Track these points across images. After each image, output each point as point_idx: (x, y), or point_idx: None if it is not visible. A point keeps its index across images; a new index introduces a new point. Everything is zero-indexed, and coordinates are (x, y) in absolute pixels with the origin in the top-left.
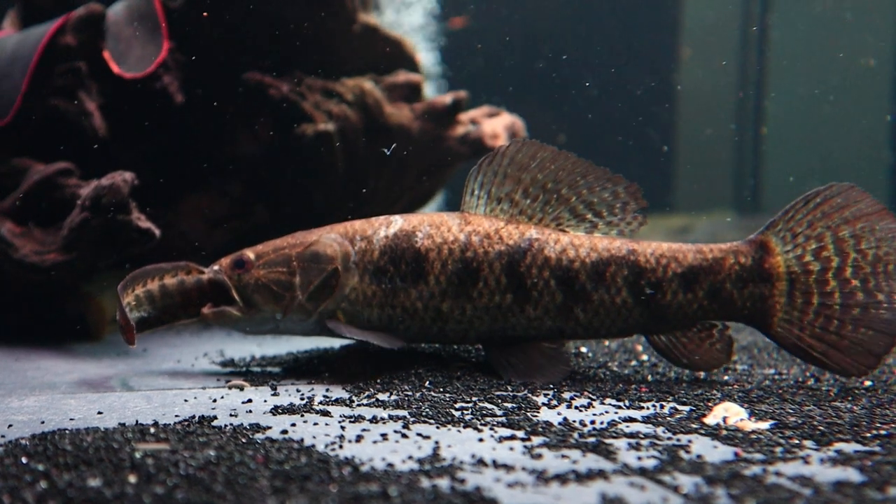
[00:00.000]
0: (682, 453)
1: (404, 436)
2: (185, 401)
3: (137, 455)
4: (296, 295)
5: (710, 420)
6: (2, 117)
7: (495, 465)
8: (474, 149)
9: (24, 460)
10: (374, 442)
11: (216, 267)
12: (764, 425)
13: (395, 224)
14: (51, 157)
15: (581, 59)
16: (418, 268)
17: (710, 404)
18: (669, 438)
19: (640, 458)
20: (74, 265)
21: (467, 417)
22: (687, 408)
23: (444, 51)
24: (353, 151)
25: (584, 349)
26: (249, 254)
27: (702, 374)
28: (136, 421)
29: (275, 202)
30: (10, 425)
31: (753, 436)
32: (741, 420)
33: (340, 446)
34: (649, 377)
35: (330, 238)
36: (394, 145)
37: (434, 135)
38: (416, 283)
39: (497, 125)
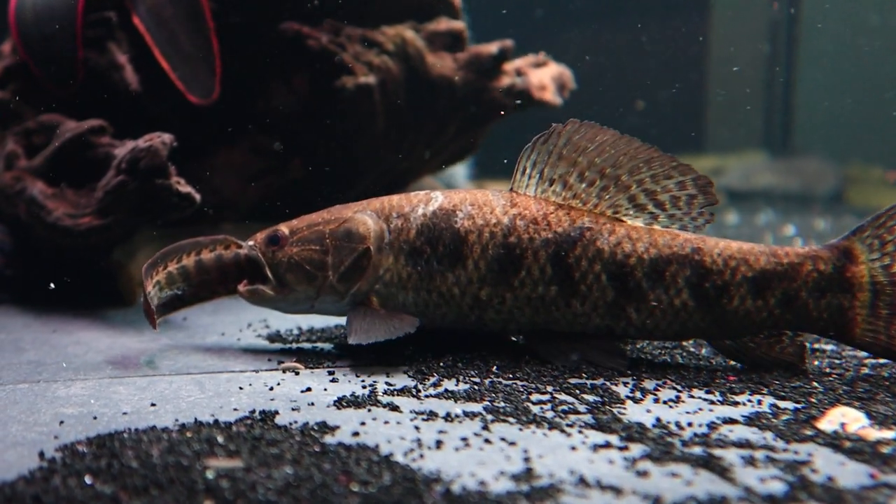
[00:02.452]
0: (809, 473)
1: (487, 441)
2: (240, 388)
3: (210, 475)
4: (328, 275)
5: (826, 426)
6: (63, 83)
7: (600, 486)
8: (520, 101)
9: (88, 481)
10: (457, 449)
11: (251, 242)
12: (889, 434)
13: (436, 201)
14: (81, 113)
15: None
16: (456, 251)
17: (812, 399)
18: (785, 450)
19: (762, 480)
20: (110, 230)
21: (549, 416)
22: (789, 405)
23: None
24: (394, 104)
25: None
26: (284, 229)
27: None
28: (195, 419)
29: (311, 157)
30: (61, 421)
31: (883, 448)
32: (862, 427)
33: (421, 455)
34: (731, 361)
35: (364, 215)
36: None
37: (478, 86)
38: (453, 267)
39: (544, 76)
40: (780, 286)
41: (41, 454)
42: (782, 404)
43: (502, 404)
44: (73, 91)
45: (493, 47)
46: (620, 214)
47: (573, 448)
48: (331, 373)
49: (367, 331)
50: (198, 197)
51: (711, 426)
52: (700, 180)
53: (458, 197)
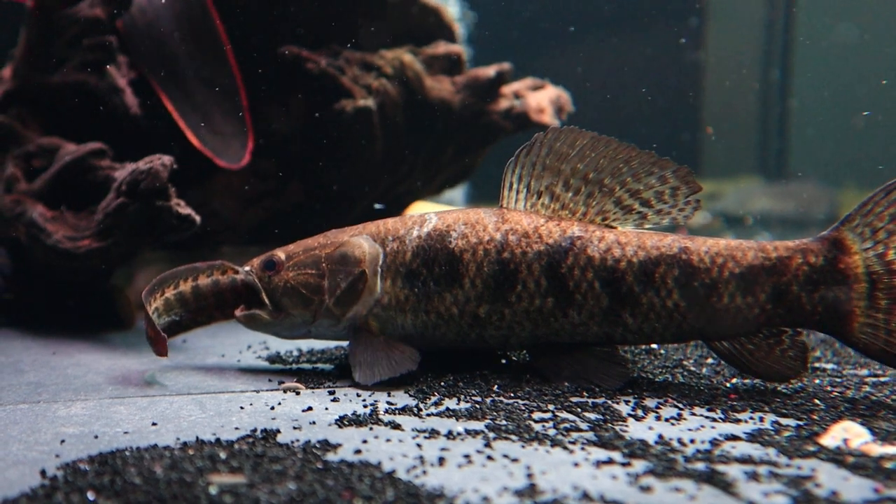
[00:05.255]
0: (813, 487)
1: (490, 458)
2: (241, 408)
3: (213, 490)
4: (324, 299)
5: (829, 442)
6: None
7: (604, 500)
8: (518, 124)
9: (91, 497)
10: (459, 466)
11: (248, 267)
12: (892, 449)
13: (430, 223)
14: (80, 136)
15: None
16: (452, 270)
17: (813, 416)
18: (788, 465)
19: (766, 495)
20: (110, 252)
21: (551, 433)
22: (791, 422)
23: None
24: (392, 127)
25: (654, 345)
26: (280, 254)
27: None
28: (197, 437)
29: (310, 180)
30: (62, 440)
31: (886, 463)
32: (865, 443)
33: (424, 472)
34: (734, 379)
35: (359, 239)
36: None
37: (476, 109)
38: (450, 287)
39: (542, 98)
40: (769, 281)
41: (43, 472)
42: (784, 421)
43: (504, 422)
44: None
45: (490, 70)
46: (609, 220)
47: (576, 464)
48: (331, 392)
49: (372, 366)
50: (198, 219)
51: (714, 443)
52: (680, 171)
53: (452, 217)
